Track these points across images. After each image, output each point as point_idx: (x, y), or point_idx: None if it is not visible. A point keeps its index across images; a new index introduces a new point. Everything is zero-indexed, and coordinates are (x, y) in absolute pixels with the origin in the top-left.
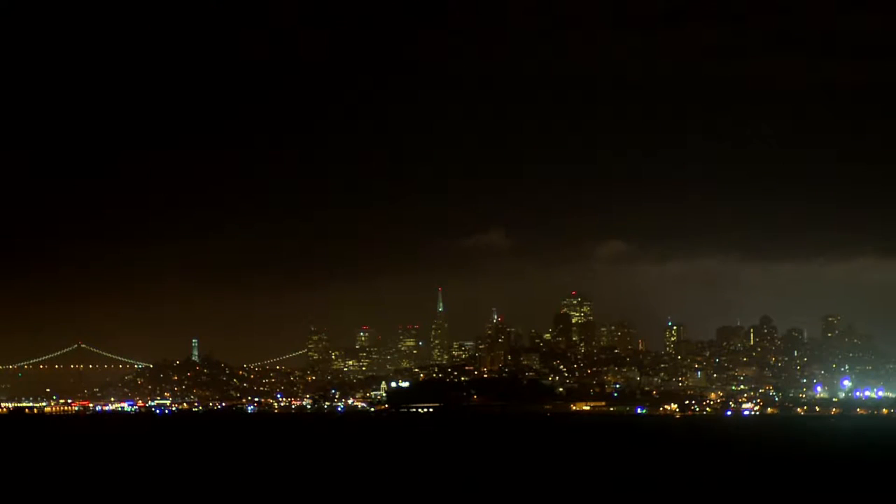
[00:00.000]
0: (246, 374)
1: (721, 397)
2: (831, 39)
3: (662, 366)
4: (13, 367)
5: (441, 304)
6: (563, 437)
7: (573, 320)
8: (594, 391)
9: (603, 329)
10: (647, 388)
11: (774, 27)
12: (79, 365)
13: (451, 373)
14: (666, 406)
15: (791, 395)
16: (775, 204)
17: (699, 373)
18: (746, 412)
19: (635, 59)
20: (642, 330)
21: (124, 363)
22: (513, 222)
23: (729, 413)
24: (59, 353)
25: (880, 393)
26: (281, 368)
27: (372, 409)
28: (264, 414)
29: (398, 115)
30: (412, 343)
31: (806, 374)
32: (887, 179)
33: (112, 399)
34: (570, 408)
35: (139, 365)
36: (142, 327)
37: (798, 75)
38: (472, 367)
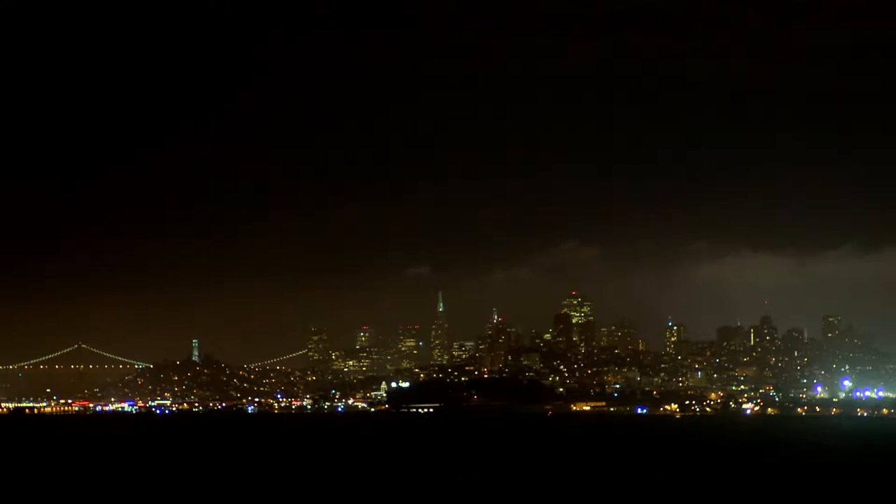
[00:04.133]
0: (246, 375)
1: (721, 397)
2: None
3: (663, 366)
4: (13, 367)
5: (441, 304)
6: (564, 437)
7: (573, 320)
8: (594, 391)
9: (603, 329)
10: (647, 389)
11: None
12: (79, 365)
13: (452, 373)
14: (666, 406)
15: (791, 395)
16: (776, 203)
17: (699, 373)
18: (747, 412)
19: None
20: (642, 330)
21: (124, 363)
22: (514, 222)
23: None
24: (59, 353)
25: (880, 393)
26: (281, 369)
27: (372, 409)
28: (264, 414)
29: (398, 115)
30: (412, 343)
31: (806, 374)
32: (887, 178)
33: (112, 399)
34: (571, 408)
35: (139, 365)
36: (142, 327)
37: None
38: (472, 368)
